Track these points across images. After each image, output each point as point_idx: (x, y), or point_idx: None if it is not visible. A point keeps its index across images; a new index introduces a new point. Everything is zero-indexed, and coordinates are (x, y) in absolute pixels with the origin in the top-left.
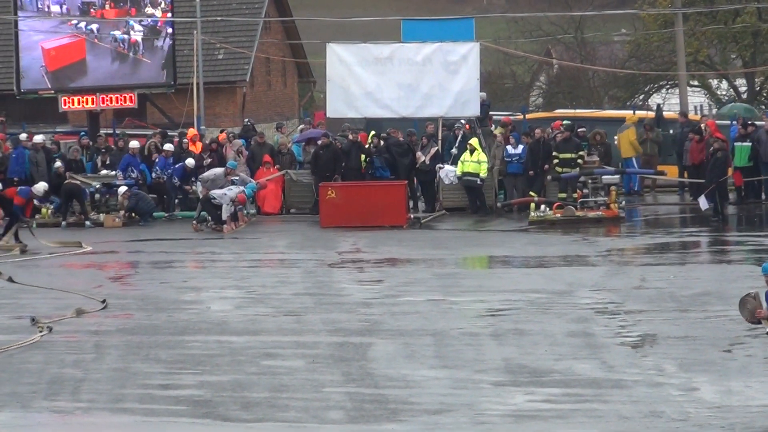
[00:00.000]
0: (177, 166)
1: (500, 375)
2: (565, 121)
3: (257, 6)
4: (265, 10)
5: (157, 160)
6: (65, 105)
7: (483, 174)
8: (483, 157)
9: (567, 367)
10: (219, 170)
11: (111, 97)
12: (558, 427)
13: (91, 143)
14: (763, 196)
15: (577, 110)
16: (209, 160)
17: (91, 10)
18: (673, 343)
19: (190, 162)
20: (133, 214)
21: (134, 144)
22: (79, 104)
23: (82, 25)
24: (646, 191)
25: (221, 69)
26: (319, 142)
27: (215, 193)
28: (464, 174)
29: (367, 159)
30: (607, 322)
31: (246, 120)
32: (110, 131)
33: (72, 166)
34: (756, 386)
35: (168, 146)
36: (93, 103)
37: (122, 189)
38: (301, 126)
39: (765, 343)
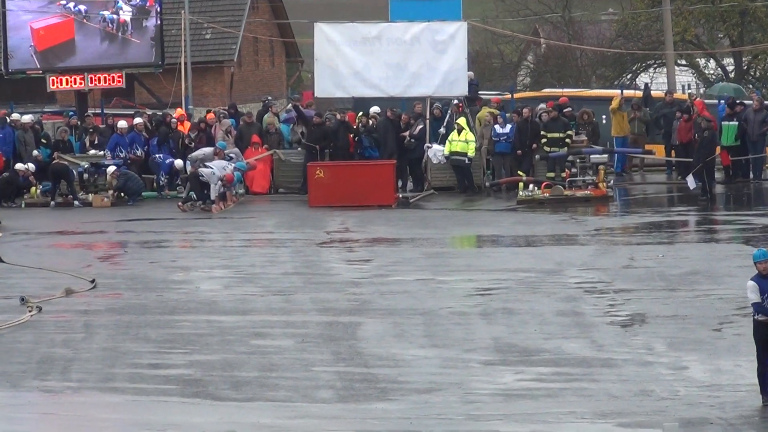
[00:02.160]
0: (167, 162)
1: (489, 354)
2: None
3: None
4: None
5: (127, 138)
6: (53, 85)
7: (471, 153)
8: (471, 136)
9: (556, 346)
10: (208, 150)
11: (99, 77)
12: (547, 406)
13: (79, 123)
14: (751, 175)
15: (565, 89)
16: (193, 143)
17: None
18: (662, 322)
19: (178, 163)
20: (122, 194)
21: (122, 124)
22: (67, 84)
23: (71, 5)
24: (634, 170)
25: (209, 49)
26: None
27: (204, 171)
28: (452, 153)
29: (356, 138)
30: (596, 301)
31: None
32: (98, 111)
33: (60, 146)
34: (745, 365)
35: (137, 120)
36: (81, 83)
37: (111, 169)
38: (290, 105)
39: None
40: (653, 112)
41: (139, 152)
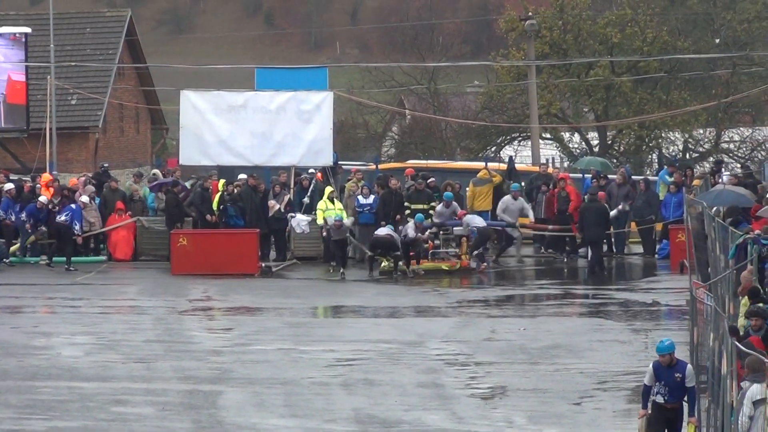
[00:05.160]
0: (30, 204)
1: (350, 425)
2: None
3: (111, 52)
4: (119, 56)
5: (0, 202)
6: None
7: (347, 221)
8: (340, 204)
9: (416, 418)
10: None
11: None
12: None
13: None
14: (614, 250)
15: (430, 161)
16: (57, 208)
17: None
18: (523, 396)
19: (43, 198)
20: None
21: (9, 186)
22: None
23: None
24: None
25: (74, 114)
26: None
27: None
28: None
29: (221, 207)
30: (457, 373)
31: (101, 165)
32: None
33: None
34: None
35: (9, 185)
36: None
37: None
38: (154, 171)
39: (614, 396)
40: (528, 184)
41: (13, 217)
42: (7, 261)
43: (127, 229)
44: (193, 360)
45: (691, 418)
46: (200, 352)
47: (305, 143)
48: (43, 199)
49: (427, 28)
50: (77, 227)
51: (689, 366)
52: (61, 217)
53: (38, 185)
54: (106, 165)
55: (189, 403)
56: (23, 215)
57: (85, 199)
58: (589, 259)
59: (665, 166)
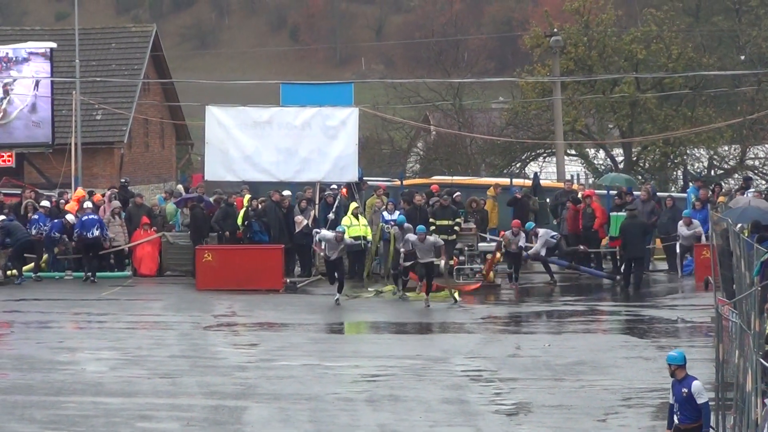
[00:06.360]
0: (55, 221)
1: None
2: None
3: (136, 67)
4: (144, 71)
5: (37, 218)
6: None
7: (370, 237)
8: (365, 220)
9: None
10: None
11: None
12: None
13: None
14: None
15: (455, 177)
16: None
17: None
18: (548, 412)
19: (70, 217)
20: (9, 272)
21: (45, 203)
22: None
23: None
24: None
25: (100, 129)
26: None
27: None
28: (350, 237)
29: (245, 222)
30: (482, 389)
31: (123, 179)
32: None
33: None
34: None
35: (45, 203)
36: None
37: None
38: (178, 186)
39: (639, 413)
40: (552, 201)
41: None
42: (34, 275)
43: (152, 245)
44: (218, 375)
45: None
46: (225, 367)
47: (331, 159)
48: (70, 217)
49: (451, 44)
50: (107, 237)
51: (696, 382)
52: (95, 233)
53: (62, 200)
54: (124, 180)
55: (214, 419)
56: (47, 227)
57: (88, 204)
58: (632, 277)
59: (691, 183)
